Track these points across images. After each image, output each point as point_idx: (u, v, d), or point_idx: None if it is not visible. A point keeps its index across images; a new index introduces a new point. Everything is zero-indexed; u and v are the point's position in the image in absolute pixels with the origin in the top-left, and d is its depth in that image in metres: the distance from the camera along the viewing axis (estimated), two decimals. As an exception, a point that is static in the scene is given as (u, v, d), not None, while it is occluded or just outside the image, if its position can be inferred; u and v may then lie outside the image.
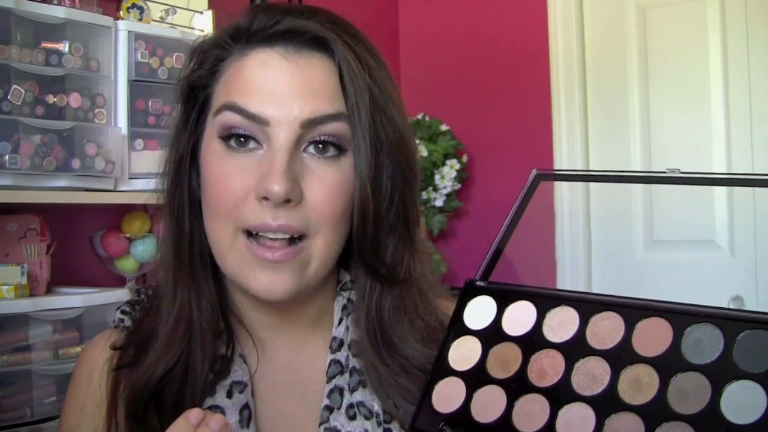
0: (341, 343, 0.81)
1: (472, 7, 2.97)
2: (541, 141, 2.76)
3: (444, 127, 2.81)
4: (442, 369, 0.68)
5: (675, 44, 2.56)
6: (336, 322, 0.81)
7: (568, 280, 2.67)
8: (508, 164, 2.87)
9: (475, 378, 0.66)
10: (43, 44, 1.60)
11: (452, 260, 2.92)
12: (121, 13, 1.87)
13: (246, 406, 0.77)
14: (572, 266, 2.68)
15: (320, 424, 0.77)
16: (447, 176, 2.75)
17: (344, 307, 0.82)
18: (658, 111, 2.60)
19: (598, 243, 2.70)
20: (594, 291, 2.67)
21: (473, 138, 2.91)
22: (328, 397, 0.78)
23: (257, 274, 0.73)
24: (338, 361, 0.80)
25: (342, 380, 0.79)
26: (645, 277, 2.58)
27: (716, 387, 0.56)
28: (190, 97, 0.78)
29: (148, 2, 1.90)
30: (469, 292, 0.72)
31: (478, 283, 0.72)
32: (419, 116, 2.84)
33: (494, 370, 0.66)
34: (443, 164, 2.76)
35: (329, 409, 0.78)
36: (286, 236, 0.72)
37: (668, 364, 0.59)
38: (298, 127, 0.71)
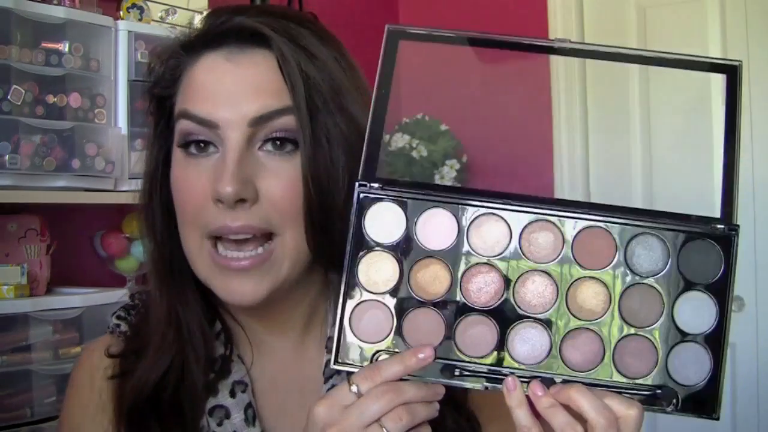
0: None
1: (472, 7, 2.96)
2: (541, 141, 2.76)
3: (444, 127, 2.80)
4: (351, 291, 0.64)
5: (675, 44, 2.56)
6: (330, 321, 0.81)
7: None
8: (508, 164, 2.87)
9: (402, 301, 0.64)
10: (43, 44, 1.60)
11: (452, 260, 2.92)
12: (121, 13, 1.87)
13: (249, 405, 0.77)
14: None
15: None
16: (447, 176, 2.74)
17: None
18: (658, 110, 2.60)
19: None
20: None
21: (473, 138, 2.91)
22: None
23: (226, 282, 0.72)
24: None
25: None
26: (645, 277, 2.57)
27: (668, 299, 0.61)
28: (158, 107, 0.78)
29: (148, 2, 1.90)
30: (365, 200, 0.65)
31: (371, 185, 0.65)
32: (419, 116, 2.83)
33: (420, 291, 0.64)
34: (443, 164, 2.75)
35: None
36: (248, 236, 0.71)
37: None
38: (247, 126, 0.70)
